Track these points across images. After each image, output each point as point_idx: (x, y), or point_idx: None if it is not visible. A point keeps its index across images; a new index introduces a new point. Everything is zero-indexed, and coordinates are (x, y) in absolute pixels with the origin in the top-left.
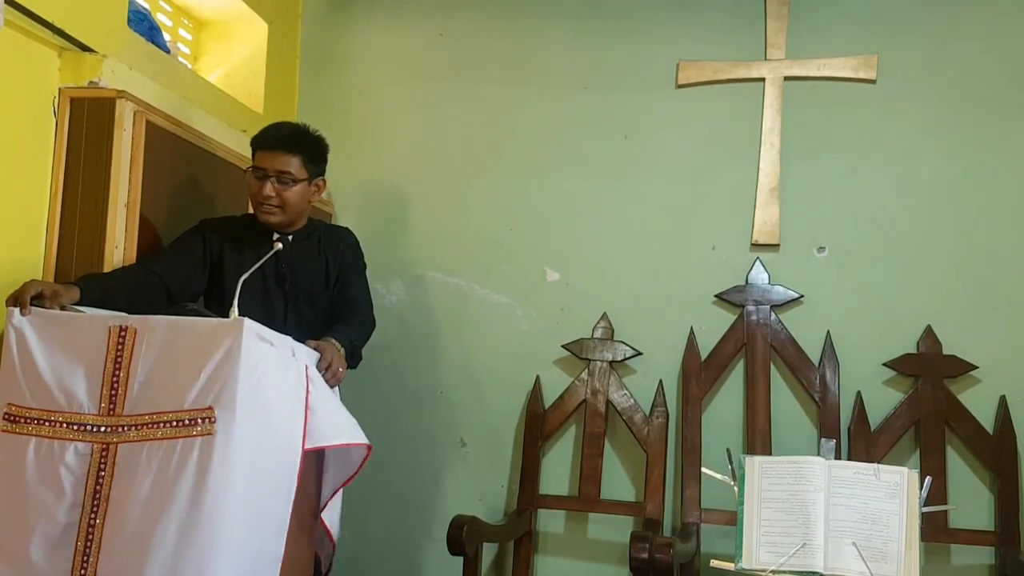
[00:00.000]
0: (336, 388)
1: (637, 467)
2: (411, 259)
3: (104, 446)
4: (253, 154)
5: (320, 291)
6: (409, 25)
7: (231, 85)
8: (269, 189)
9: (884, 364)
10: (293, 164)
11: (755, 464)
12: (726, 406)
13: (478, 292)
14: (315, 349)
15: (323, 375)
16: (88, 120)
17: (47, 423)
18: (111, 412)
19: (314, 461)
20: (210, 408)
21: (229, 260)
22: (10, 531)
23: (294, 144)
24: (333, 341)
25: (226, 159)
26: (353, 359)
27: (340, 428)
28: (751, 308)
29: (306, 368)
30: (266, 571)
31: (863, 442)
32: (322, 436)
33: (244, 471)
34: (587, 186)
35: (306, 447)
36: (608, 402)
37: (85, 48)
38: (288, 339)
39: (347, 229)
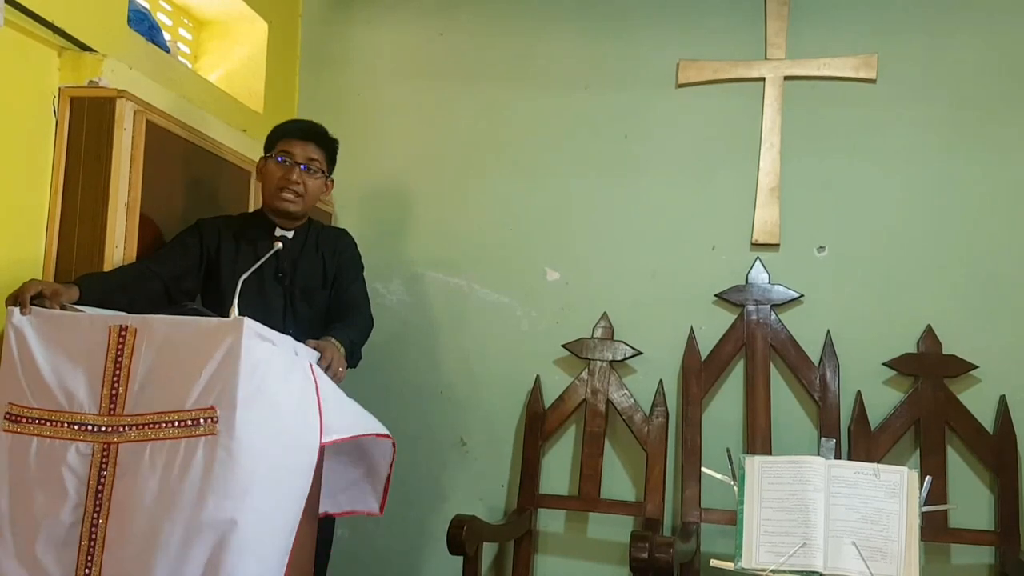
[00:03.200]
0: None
1: (637, 467)
2: (411, 259)
3: (105, 446)
4: (274, 143)
5: (318, 289)
6: (409, 25)
7: (231, 85)
8: (297, 175)
9: (884, 364)
10: (320, 155)
11: (755, 464)
12: (726, 406)
13: (478, 292)
14: (315, 349)
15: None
16: (88, 119)
17: (48, 423)
18: (111, 412)
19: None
20: (212, 408)
21: (227, 259)
22: (16, 531)
23: (321, 138)
24: (333, 341)
25: (226, 158)
26: (353, 358)
27: (356, 421)
28: (751, 308)
29: (311, 365)
30: (275, 568)
31: (863, 442)
32: (338, 429)
33: (250, 470)
34: (587, 186)
35: (323, 442)
36: (608, 402)
37: (85, 48)
38: (289, 339)
39: (344, 230)
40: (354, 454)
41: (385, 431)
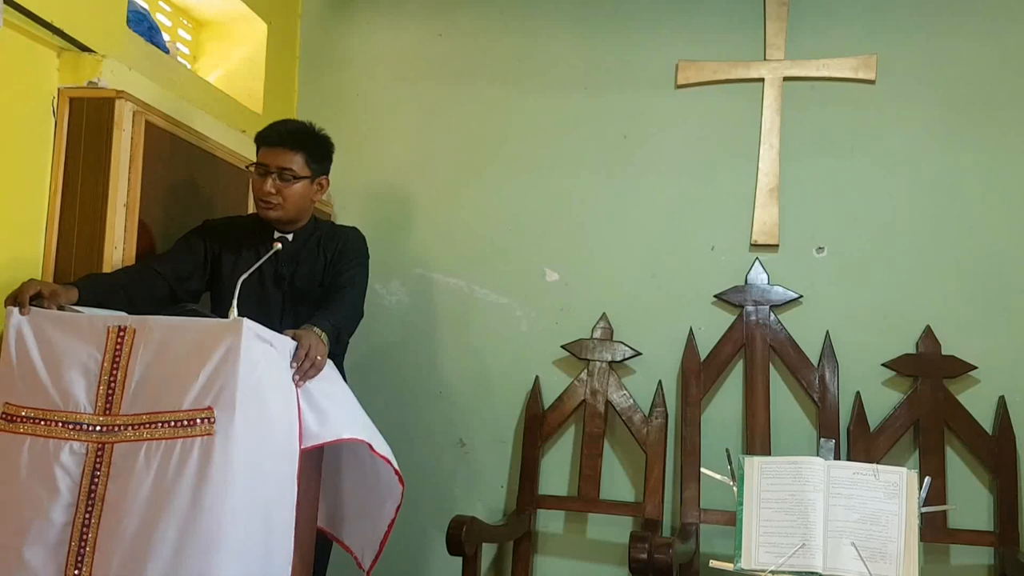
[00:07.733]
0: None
1: (636, 467)
2: (411, 259)
3: (100, 446)
4: (257, 150)
5: (318, 290)
6: (409, 25)
7: (230, 85)
8: (270, 185)
9: (883, 364)
10: (295, 161)
11: (754, 464)
12: (725, 406)
13: (478, 292)
14: (292, 338)
15: (301, 364)
16: (87, 120)
17: (43, 422)
18: (107, 412)
19: (315, 462)
20: (209, 408)
21: (228, 260)
22: (4, 530)
23: (297, 141)
24: (315, 329)
25: (225, 159)
26: (339, 345)
27: (338, 424)
28: (750, 308)
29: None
30: (277, 573)
31: (862, 442)
32: (318, 435)
33: (245, 471)
34: (587, 186)
35: (303, 447)
36: (607, 402)
37: (84, 48)
38: (287, 339)
39: (353, 228)
40: (364, 478)
41: (357, 434)
